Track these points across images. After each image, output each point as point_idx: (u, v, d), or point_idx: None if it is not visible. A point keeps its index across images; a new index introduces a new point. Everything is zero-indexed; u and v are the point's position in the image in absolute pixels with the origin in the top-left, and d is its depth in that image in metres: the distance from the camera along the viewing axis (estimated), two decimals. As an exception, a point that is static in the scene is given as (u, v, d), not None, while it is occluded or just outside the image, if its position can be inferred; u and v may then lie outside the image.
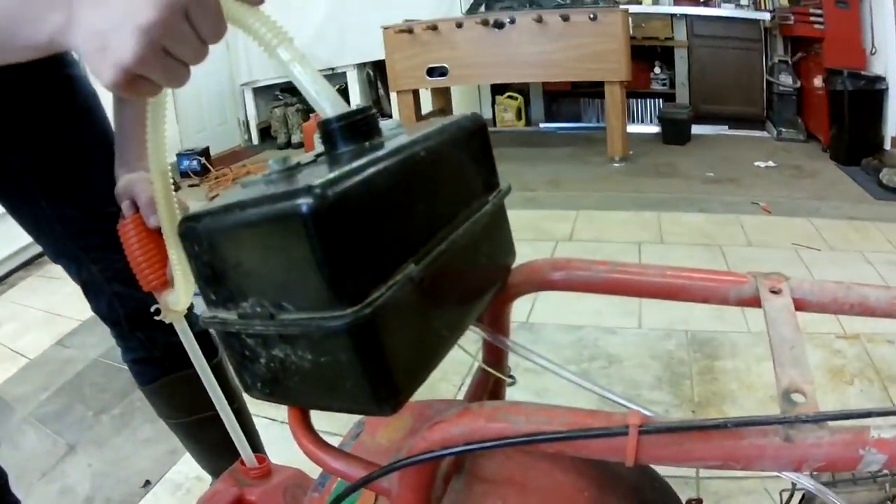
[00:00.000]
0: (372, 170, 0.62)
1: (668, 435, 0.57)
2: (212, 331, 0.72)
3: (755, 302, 0.79)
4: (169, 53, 0.65)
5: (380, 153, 0.65)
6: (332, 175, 0.58)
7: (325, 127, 0.71)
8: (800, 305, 0.77)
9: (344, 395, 0.63)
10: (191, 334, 1.26)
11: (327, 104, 0.70)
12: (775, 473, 0.66)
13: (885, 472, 0.98)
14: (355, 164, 0.61)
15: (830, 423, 0.54)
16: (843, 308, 0.78)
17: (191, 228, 0.67)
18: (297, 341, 0.63)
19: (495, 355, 1.01)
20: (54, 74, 1.30)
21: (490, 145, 0.85)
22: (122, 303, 1.43)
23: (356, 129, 0.71)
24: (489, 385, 1.02)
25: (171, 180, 0.94)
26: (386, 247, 0.63)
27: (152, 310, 1.13)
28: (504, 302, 0.94)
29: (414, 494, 0.70)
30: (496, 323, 0.95)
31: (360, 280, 0.59)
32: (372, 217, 0.61)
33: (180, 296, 1.06)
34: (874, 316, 0.77)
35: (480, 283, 0.83)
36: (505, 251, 0.90)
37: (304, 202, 0.56)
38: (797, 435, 0.54)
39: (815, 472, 0.74)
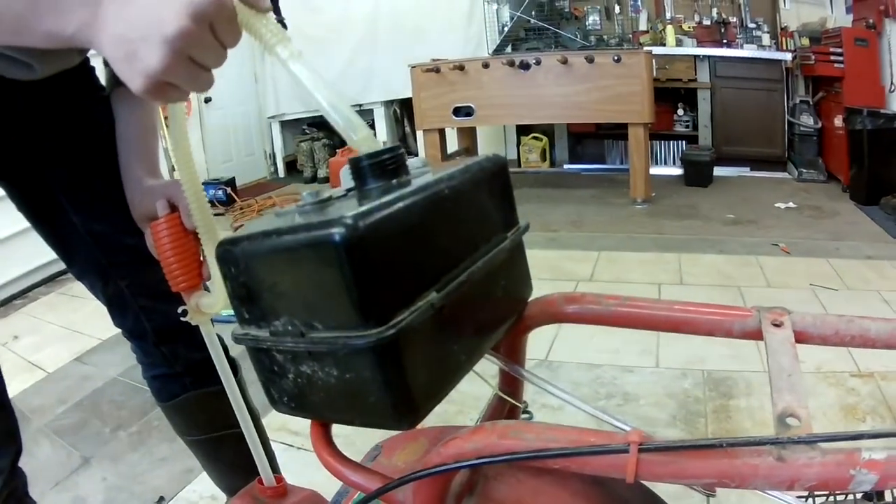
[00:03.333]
0: (400, 205, 0.67)
1: (666, 453, 0.60)
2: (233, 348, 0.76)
3: (758, 335, 0.82)
4: (193, 60, 0.71)
5: (407, 190, 0.70)
6: (363, 208, 0.64)
7: (356, 164, 0.77)
8: (802, 338, 0.79)
9: (366, 409, 0.68)
10: (216, 339, 1.27)
11: (323, 97, 0.75)
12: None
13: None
14: (384, 199, 0.67)
15: (823, 445, 0.56)
16: (845, 340, 0.79)
17: (228, 251, 0.73)
18: (325, 358, 0.68)
19: (511, 385, 1.04)
20: (91, 95, 1.34)
21: (510, 185, 0.90)
22: (149, 316, 1.45)
23: (385, 167, 0.76)
24: (504, 414, 1.05)
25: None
26: (410, 275, 0.68)
27: (179, 311, 1.15)
28: (520, 333, 0.98)
29: (428, 508, 0.74)
30: (512, 353, 0.99)
31: (386, 304, 0.64)
32: (398, 248, 0.66)
33: (219, 298, 1.08)
34: (875, 348, 0.79)
35: (497, 314, 0.87)
36: (522, 285, 0.94)
37: (338, 231, 0.61)
38: (789, 455, 0.56)
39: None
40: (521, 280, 0.94)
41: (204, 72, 0.74)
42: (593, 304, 0.92)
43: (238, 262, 0.73)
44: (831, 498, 0.90)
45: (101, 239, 1.38)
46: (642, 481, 0.62)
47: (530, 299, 0.96)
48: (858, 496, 0.90)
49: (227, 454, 1.63)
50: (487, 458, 0.65)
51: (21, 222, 1.39)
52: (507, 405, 1.03)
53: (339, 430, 0.75)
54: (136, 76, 0.71)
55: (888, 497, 0.84)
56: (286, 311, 0.70)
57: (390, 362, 0.64)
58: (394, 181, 0.76)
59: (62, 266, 1.51)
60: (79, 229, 1.37)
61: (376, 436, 0.99)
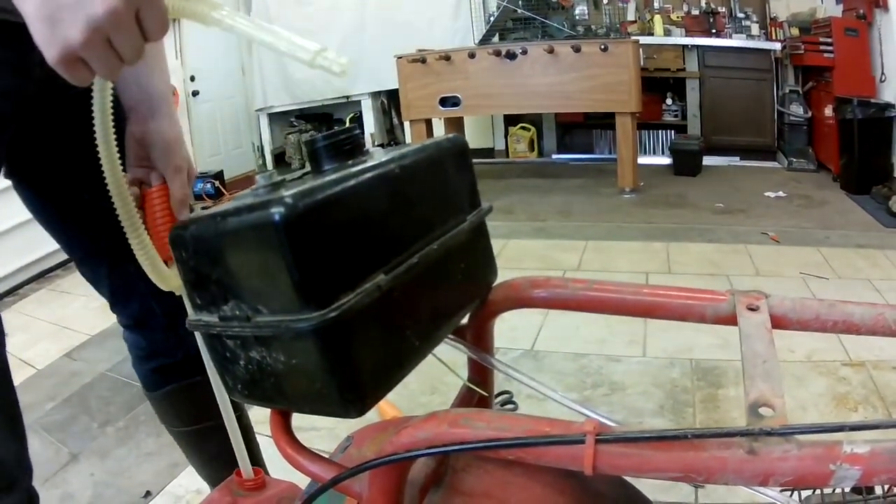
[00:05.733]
0: (345, 184, 0.65)
1: (626, 444, 0.57)
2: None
3: (732, 320, 0.79)
4: (111, 45, 0.70)
5: (355, 169, 0.68)
6: (304, 187, 0.62)
7: (311, 147, 0.76)
8: (780, 323, 0.77)
9: (314, 396, 0.66)
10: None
11: (269, 37, 0.73)
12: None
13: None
14: (329, 178, 0.65)
15: (801, 438, 0.53)
16: (826, 326, 0.76)
17: (179, 236, 0.72)
18: (271, 343, 0.67)
19: (480, 373, 1.02)
20: None
21: (471, 166, 0.88)
22: (159, 300, 1.41)
23: (339, 148, 0.75)
24: (473, 403, 1.03)
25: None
26: (355, 256, 0.66)
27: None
28: (486, 318, 0.95)
29: (383, 498, 0.71)
30: (479, 340, 0.97)
31: (328, 286, 0.62)
32: (342, 228, 0.65)
33: (157, 279, 1.06)
34: (859, 333, 0.76)
35: (457, 298, 0.85)
36: (485, 269, 0.92)
37: (277, 211, 0.60)
38: (762, 448, 0.53)
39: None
40: (484, 264, 0.92)
41: (117, 59, 0.72)
42: (560, 288, 0.89)
43: (188, 245, 0.72)
44: (818, 492, 0.87)
45: (112, 216, 1.35)
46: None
47: (495, 284, 0.93)
48: (847, 490, 0.88)
49: (212, 446, 1.61)
50: (438, 448, 0.63)
51: (8, 220, 1.34)
52: (476, 394, 1.01)
53: (324, 424, 0.74)
54: (54, 44, 0.69)
55: (878, 491, 0.81)
56: (233, 295, 0.69)
57: (334, 346, 0.63)
58: (349, 162, 0.74)
59: (52, 263, 1.47)
60: (91, 209, 1.31)
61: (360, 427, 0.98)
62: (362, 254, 0.67)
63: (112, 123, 0.90)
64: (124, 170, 0.97)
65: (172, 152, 1.14)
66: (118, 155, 0.93)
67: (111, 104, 0.89)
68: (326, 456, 0.83)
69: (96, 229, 1.36)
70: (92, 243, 1.40)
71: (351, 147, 0.75)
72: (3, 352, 1.27)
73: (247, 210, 0.63)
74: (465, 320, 0.92)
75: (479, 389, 0.99)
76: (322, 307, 0.61)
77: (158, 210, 1.12)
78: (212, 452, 1.65)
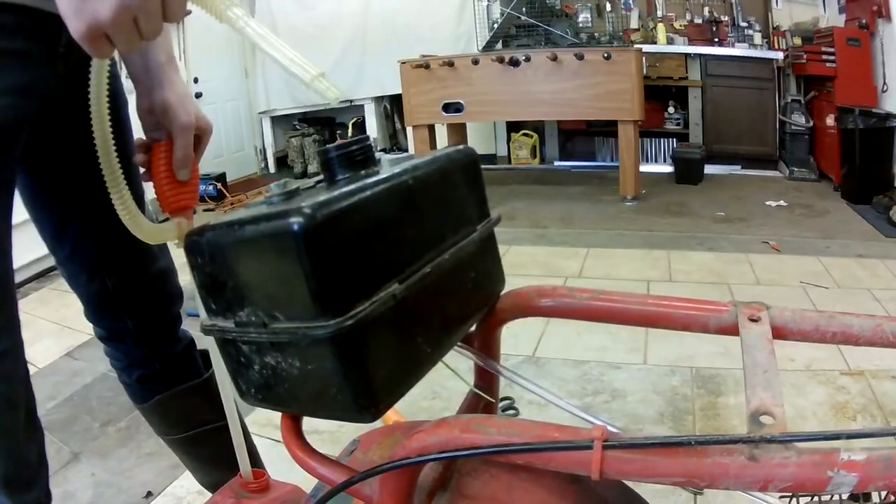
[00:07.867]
0: (360, 195, 0.67)
1: (632, 450, 0.58)
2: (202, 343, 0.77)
3: (734, 330, 0.80)
4: (136, 24, 0.73)
5: (370, 181, 0.70)
6: (322, 198, 0.63)
7: (324, 156, 0.77)
8: (781, 333, 0.77)
9: (328, 401, 0.68)
10: None
11: (274, 50, 0.79)
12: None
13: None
14: (345, 189, 0.67)
15: (799, 445, 0.54)
16: (826, 337, 0.77)
17: (195, 242, 0.73)
18: (287, 349, 0.68)
19: (486, 379, 1.03)
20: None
21: (481, 177, 0.90)
22: (132, 314, 1.44)
23: (352, 158, 0.77)
24: (479, 409, 1.04)
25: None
26: (371, 266, 0.67)
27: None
28: (493, 326, 0.97)
29: (394, 501, 0.73)
30: (486, 347, 0.98)
31: (345, 294, 0.64)
32: (358, 238, 0.66)
33: (140, 234, 1.09)
34: (857, 345, 0.76)
35: (466, 306, 0.87)
36: (493, 277, 0.93)
37: (296, 221, 0.61)
38: (762, 455, 0.54)
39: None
40: (493, 273, 0.93)
41: (138, 37, 0.76)
42: (566, 297, 0.90)
43: (204, 252, 0.73)
44: (816, 498, 0.88)
45: (101, 230, 1.36)
46: (623, 480, 0.61)
47: (503, 293, 0.95)
48: (844, 496, 0.88)
49: (207, 450, 1.63)
50: (449, 453, 0.64)
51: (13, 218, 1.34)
52: (482, 400, 1.02)
53: (325, 427, 0.75)
54: (82, 19, 0.72)
55: (875, 498, 0.82)
56: (250, 302, 0.70)
57: (350, 353, 0.64)
58: (362, 172, 0.76)
59: (54, 261, 1.48)
60: (81, 220, 1.35)
61: (363, 431, 0.99)
62: (377, 263, 0.68)
63: (107, 85, 0.93)
64: (115, 137, 1.00)
65: (175, 114, 1.17)
66: (108, 115, 0.97)
67: (114, 91, 0.91)
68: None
69: (81, 239, 1.38)
70: (74, 252, 1.41)
71: (363, 158, 0.77)
72: (24, 356, 1.29)
73: (265, 219, 0.65)
74: (472, 328, 0.94)
75: (486, 395, 1.01)
76: (339, 315, 0.62)
77: (162, 164, 1.17)
78: (207, 457, 1.67)
